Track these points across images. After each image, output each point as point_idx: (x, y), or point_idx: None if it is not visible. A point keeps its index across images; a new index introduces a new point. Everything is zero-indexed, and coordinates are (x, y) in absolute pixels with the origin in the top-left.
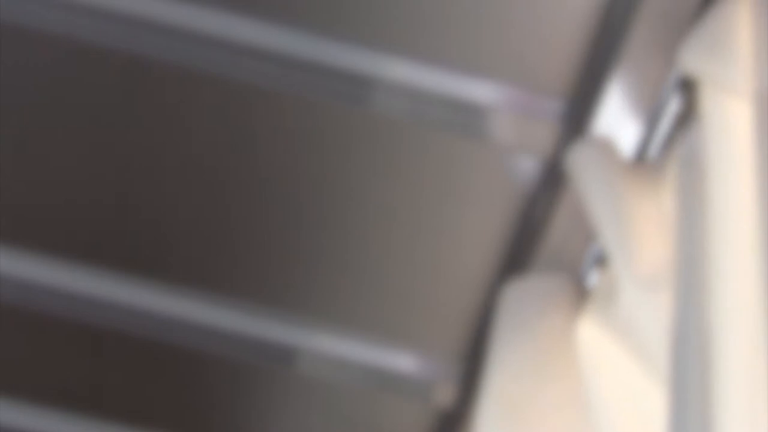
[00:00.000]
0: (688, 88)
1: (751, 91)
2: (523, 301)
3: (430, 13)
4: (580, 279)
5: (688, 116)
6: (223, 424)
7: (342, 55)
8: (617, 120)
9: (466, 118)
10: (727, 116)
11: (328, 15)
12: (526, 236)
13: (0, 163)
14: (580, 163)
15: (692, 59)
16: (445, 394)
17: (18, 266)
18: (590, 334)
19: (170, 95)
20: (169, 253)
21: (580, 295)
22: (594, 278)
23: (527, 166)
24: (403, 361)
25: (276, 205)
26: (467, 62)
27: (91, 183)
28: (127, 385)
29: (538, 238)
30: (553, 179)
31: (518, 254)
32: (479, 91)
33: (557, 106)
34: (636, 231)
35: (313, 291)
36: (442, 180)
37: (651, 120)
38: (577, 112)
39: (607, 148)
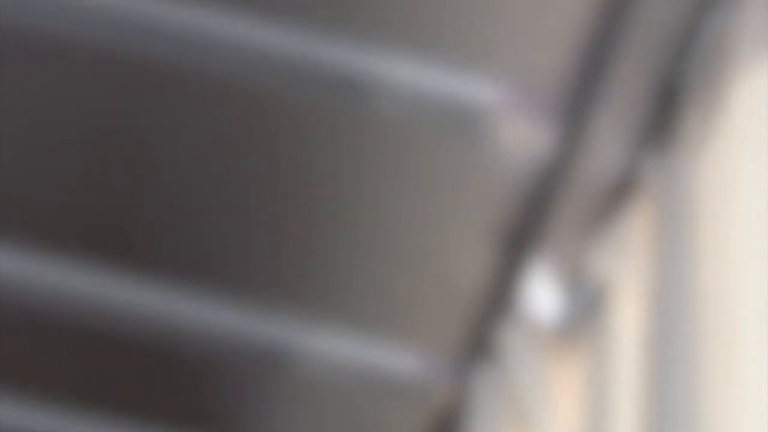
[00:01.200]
0: (597, 281)
1: (643, 293)
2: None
3: (430, 14)
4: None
5: (598, 302)
6: (221, 423)
7: (342, 55)
8: (541, 296)
9: (465, 118)
10: (625, 311)
11: (327, 15)
12: (525, 236)
13: None
14: (506, 340)
15: (597, 263)
16: (444, 394)
17: (19, 266)
18: None
19: (169, 95)
20: (169, 254)
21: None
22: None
23: (525, 166)
24: (402, 361)
25: (275, 206)
26: (467, 62)
27: (92, 183)
28: (126, 384)
29: (537, 237)
30: (551, 179)
31: (518, 254)
32: (478, 91)
33: (556, 107)
34: (554, 400)
35: (313, 291)
36: (441, 180)
37: (572, 296)
38: (503, 287)
39: (530, 325)
